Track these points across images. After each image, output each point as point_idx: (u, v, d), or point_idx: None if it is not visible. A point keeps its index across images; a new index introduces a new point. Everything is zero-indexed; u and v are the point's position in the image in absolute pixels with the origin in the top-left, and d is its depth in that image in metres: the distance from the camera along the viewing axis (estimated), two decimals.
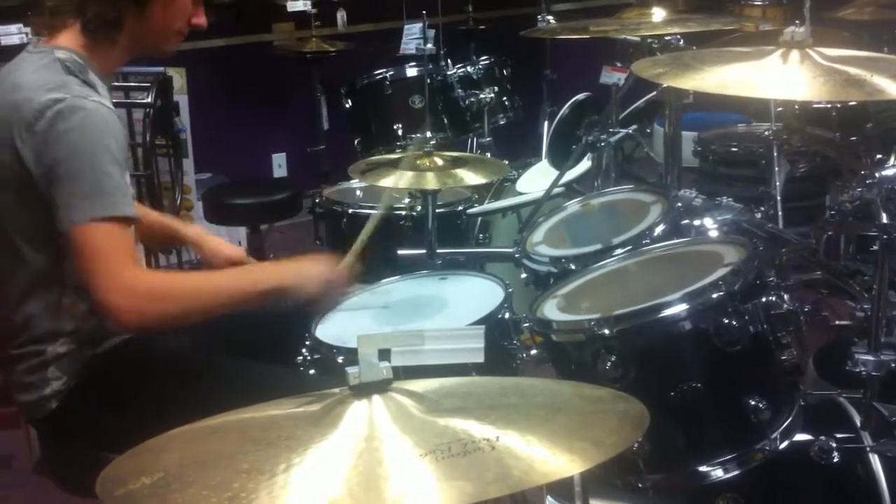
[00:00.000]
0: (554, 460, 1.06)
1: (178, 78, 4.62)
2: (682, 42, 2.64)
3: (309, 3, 4.96)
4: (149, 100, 3.57)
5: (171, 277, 1.92)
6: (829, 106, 3.32)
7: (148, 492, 1.09)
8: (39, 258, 1.91)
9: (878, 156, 2.83)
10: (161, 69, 3.94)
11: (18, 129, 1.82)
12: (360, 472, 1.04)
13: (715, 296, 1.70)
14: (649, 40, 2.74)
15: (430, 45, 3.93)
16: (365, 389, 1.20)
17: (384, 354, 1.24)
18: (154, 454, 1.23)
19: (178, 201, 4.25)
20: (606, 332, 1.71)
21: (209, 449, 1.21)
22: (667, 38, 2.64)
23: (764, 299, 1.74)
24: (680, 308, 1.70)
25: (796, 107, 3.22)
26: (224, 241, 2.43)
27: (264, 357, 2.12)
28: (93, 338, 1.98)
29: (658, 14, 2.80)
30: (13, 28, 4.01)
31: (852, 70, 1.70)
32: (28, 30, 3.98)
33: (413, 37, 4.53)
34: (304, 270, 2.03)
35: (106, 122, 1.83)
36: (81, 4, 1.91)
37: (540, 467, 1.05)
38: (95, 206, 1.78)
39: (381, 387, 1.20)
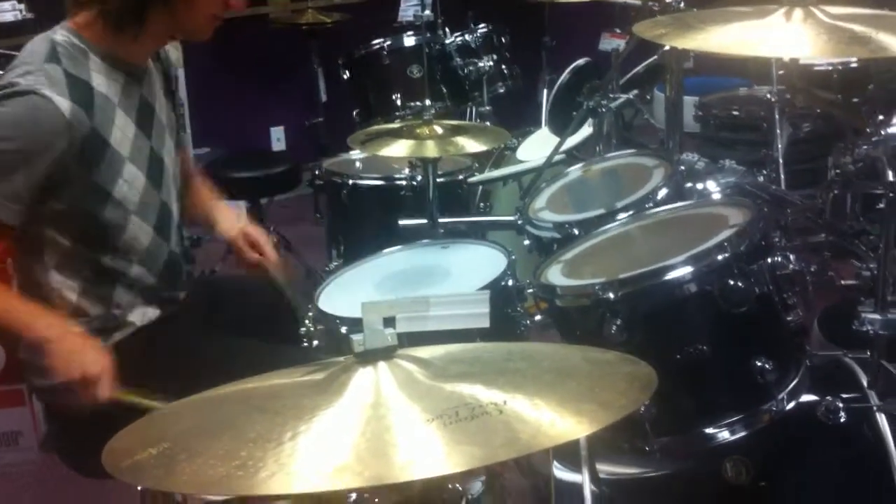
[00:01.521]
0: (562, 423, 1.06)
1: (174, 51, 4.56)
2: (682, 4, 2.61)
3: None
4: None
5: None
6: (830, 68, 3.30)
7: (155, 462, 1.09)
8: (61, 240, 1.90)
9: (881, 117, 2.81)
10: None
11: None
12: (368, 439, 1.03)
13: (720, 257, 1.69)
14: (650, 3, 2.71)
15: (427, 12, 3.89)
16: (370, 357, 1.19)
17: (389, 322, 1.23)
18: (159, 425, 1.23)
19: None
20: (611, 295, 1.71)
21: (215, 419, 1.21)
22: (667, 0, 2.61)
23: (769, 260, 1.74)
24: (685, 270, 1.69)
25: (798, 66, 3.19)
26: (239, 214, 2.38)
27: (270, 333, 2.11)
28: (102, 329, 1.98)
29: None
30: (7, 5, 3.98)
31: (857, 28, 1.67)
32: (22, 6, 3.95)
33: (411, 3, 4.49)
34: (77, 354, 1.79)
35: (44, 122, 1.76)
36: None
37: (548, 430, 1.04)
38: None
39: (386, 354, 1.19)
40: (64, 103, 1.78)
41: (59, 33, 1.88)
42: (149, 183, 1.97)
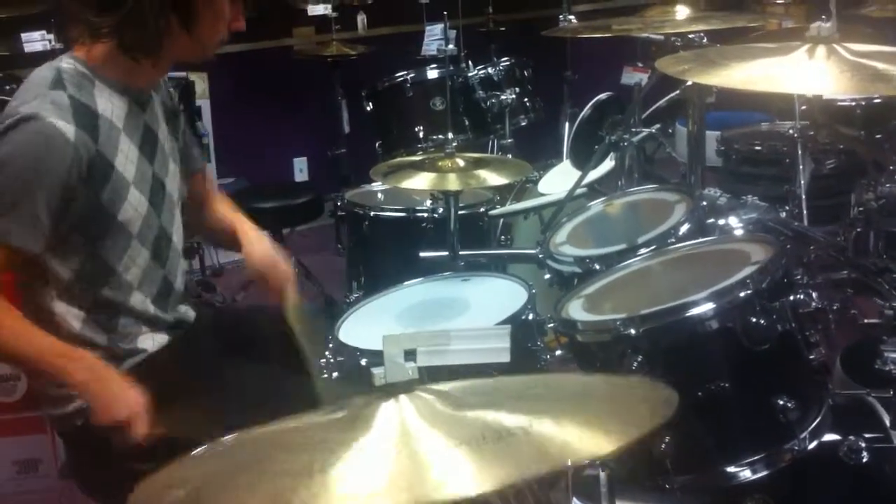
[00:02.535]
0: (590, 439, 1.06)
1: (200, 83, 4.64)
2: (705, 40, 2.62)
3: (329, 6, 4.96)
4: None
5: None
6: (853, 104, 3.29)
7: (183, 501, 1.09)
8: (61, 272, 1.92)
9: None
10: (183, 74, 3.95)
11: None
12: (398, 464, 1.04)
13: (742, 294, 1.68)
14: (672, 38, 2.72)
15: (451, 46, 3.92)
16: (391, 390, 1.19)
17: (409, 355, 1.23)
18: (184, 470, 1.23)
19: None
20: (633, 331, 1.70)
21: (242, 460, 1.21)
22: (690, 35, 2.62)
23: (792, 298, 1.72)
24: (707, 307, 1.69)
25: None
26: (265, 243, 2.25)
27: (288, 362, 2.12)
28: (114, 354, 1.98)
29: (681, 11, 2.78)
30: (36, 35, 4.03)
31: (880, 65, 1.67)
32: (51, 37, 4.00)
33: (435, 38, 4.53)
34: (113, 397, 1.81)
35: (51, 147, 1.78)
36: (119, 28, 1.86)
37: (576, 445, 1.04)
38: None
39: (406, 387, 1.19)
40: (68, 128, 1.80)
41: (65, 61, 1.90)
42: (151, 208, 1.99)
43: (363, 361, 2.09)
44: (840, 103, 3.28)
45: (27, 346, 1.83)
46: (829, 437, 1.74)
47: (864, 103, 3.26)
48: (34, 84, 1.87)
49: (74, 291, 1.94)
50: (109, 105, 1.91)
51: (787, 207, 2.96)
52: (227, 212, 2.34)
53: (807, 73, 1.70)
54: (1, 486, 3.10)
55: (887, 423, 1.80)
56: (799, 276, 1.81)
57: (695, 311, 1.69)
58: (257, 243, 2.23)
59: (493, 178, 2.59)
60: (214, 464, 1.22)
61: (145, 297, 2.03)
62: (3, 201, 1.78)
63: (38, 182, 1.79)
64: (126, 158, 1.93)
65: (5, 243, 1.79)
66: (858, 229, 2.11)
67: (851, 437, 1.74)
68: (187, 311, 2.18)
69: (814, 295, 1.74)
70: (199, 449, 1.28)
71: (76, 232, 1.87)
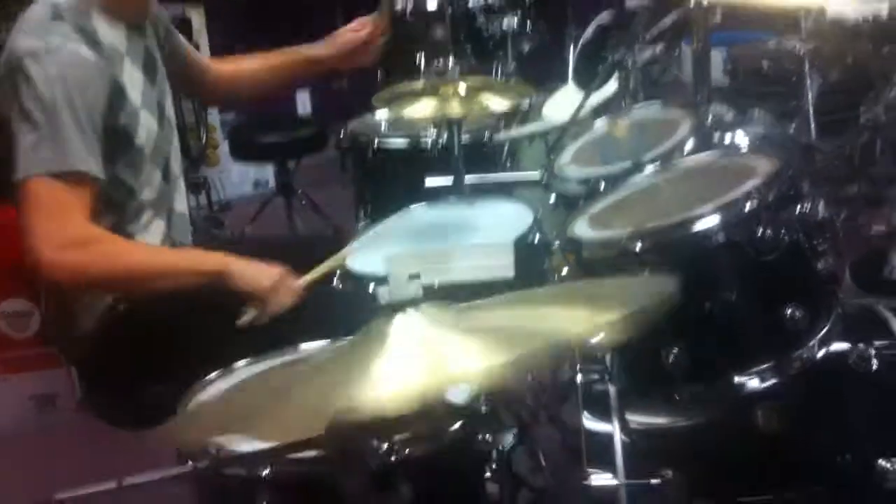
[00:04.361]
0: (594, 315, 1.10)
1: (198, 18, 4.59)
2: None
3: None
4: None
5: (106, 239, 1.84)
6: (861, 20, 3.24)
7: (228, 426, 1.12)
8: None
9: None
10: (180, 11, 3.91)
11: (2, 75, 1.82)
12: (419, 357, 1.09)
13: (748, 207, 1.67)
14: None
15: None
16: (396, 309, 1.20)
17: (414, 273, 1.23)
18: (214, 412, 1.24)
19: (204, 140, 4.26)
20: (638, 246, 1.70)
21: (270, 391, 1.23)
22: None
23: (799, 208, 1.71)
24: (713, 220, 1.68)
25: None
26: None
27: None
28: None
29: None
30: None
31: None
32: None
33: None
34: (256, 266, 1.91)
35: (78, 73, 1.79)
36: None
37: (581, 322, 1.10)
38: (49, 159, 1.75)
39: (412, 305, 1.20)
40: (88, 52, 1.82)
41: None
42: (159, 130, 2.01)
43: (370, 287, 2.09)
44: (847, 23, 3.23)
45: (162, 259, 1.92)
46: (839, 345, 1.74)
47: (871, 20, 3.21)
48: (33, 21, 1.86)
49: (96, 219, 1.93)
50: (110, 32, 1.91)
51: (794, 122, 2.94)
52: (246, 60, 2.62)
53: None
54: (19, 422, 3.14)
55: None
56: (805, 188, 1.80)
57: (701, 225, 1.68)
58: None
59: (496, 103, 2.56)
60: (239, 390, 1.24)
61: (160, 219, 2.05)
62: (62, 135, 1.76)
63: (82, 108, 1.79)
64: (132, 82, 1.94)
65: (90, 174, 1.80)
66: (865, 138, 2.09)
67: (861, 345, 1.74)
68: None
69: (820, 205, 1.73)
70: (213, 374, 1.30)
71: (103, 157, 1.86)
